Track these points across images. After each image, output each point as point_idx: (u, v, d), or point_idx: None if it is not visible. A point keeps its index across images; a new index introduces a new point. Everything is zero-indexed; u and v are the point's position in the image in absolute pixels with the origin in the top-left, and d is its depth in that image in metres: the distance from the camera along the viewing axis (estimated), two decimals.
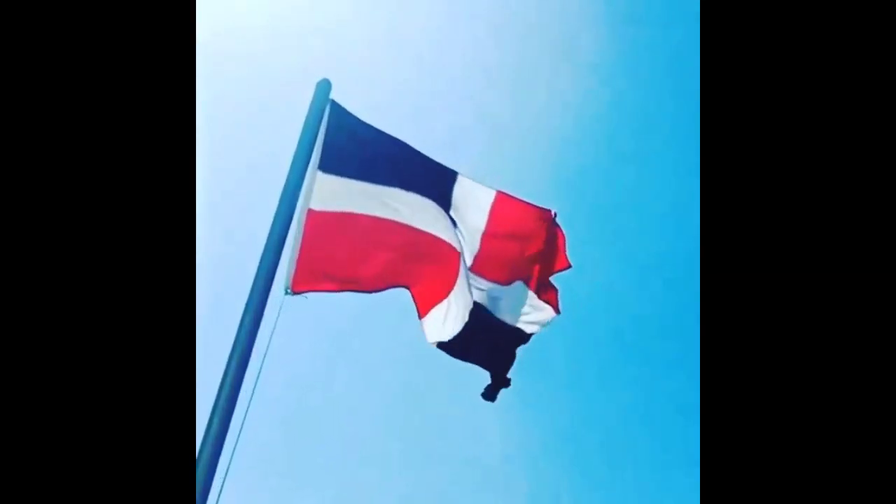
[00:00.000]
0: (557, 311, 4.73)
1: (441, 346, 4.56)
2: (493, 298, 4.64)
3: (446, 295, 4.52)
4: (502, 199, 4.69)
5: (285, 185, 4.05)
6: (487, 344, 4.62)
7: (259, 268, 3.77)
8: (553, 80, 11.30)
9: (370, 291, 4.49)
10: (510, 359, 4.67)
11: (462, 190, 4.64)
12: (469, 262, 4.60)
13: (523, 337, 4.70)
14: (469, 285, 4.55)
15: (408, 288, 4.54)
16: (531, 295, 4.69)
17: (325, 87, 4.41)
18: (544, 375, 11.90)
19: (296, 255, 4.14)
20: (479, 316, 4.56)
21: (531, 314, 4.69)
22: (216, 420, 3.29)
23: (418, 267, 4.55)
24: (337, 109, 4.41)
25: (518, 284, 4.69)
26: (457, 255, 4.52)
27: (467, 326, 4.51)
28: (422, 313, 4.55)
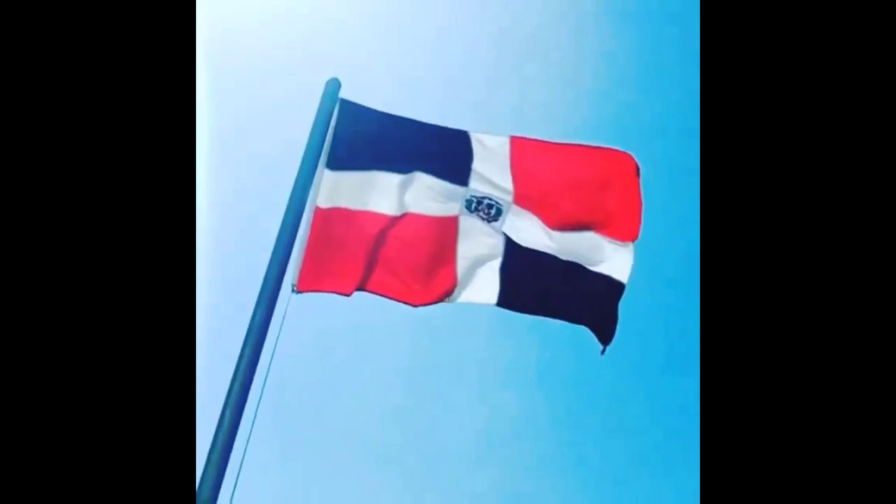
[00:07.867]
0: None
1: (504, 304, 4.43)
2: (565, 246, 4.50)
3: (454, 260, 4.43)
4: (519, 144, 4.58)
5: (294, 186, 4.06)
6: (565, 291, 4.49)
7: (269, 265, 3.80)
8: (564, 79, 11.30)
9: (374, 293, 4.39)
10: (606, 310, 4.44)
11: (479, 146, 4.54)
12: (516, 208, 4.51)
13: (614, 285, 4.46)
14: (486, 236, 4.47)
15: (407, 303, 4.39)
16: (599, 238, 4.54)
17: (334, 86, 4.41)
18: (544, 375, 11.92)
19: (302, 254, 4.14)
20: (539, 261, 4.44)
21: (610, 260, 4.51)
22: (227, 416, 3.33)
23: (417, 264, 4.43)
24: (347, 106, 4.40)
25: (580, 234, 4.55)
26: (454, 219, 4.44)
27: (511, 269, 4.42)
28: (442, 297, 4.39)
